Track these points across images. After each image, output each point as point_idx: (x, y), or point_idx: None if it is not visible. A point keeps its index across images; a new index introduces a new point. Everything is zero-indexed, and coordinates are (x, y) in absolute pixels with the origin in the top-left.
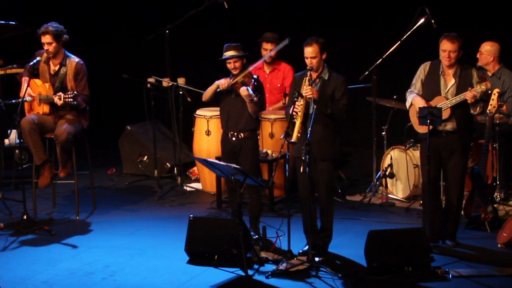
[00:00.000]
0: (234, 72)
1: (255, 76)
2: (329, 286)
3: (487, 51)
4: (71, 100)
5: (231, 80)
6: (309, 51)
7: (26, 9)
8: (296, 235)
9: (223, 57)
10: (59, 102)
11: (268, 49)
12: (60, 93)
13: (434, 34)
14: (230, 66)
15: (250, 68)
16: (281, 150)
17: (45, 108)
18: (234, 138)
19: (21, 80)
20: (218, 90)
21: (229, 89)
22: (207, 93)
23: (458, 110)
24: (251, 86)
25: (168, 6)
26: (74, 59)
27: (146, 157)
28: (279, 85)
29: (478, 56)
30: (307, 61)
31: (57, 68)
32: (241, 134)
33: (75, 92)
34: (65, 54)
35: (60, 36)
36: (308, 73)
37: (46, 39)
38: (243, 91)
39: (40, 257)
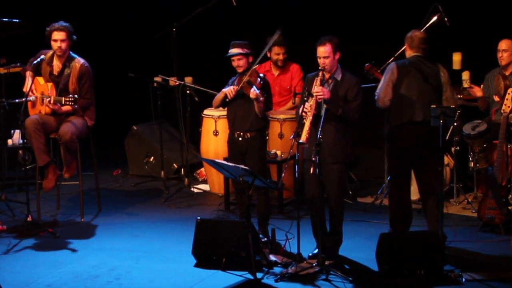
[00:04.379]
0: (239, 70)
1: (261, 75)
2: None
3: (511, 47)
4: (72, 103)
5: (237, 86)
6: (322, 51)
7: (31, 7)
8: (305, 237)
9: (228, 55)
10: (49, 107)
11: (280, 53)
12: (50, 98)
13: (446, 31)
14: (234, 64)
15: (255, 66)
16: (291, 151)
17: (47, 108)
18: (240, 138)
19: (25, 74)
20: (227, 100)
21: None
22: (216, 101)
23: None
24: (257, 85)
25: (176, 4)
26: (79, 60)
27: (152, 157)
28: (288, 86)
29: (499, 56)
30: (320, 61)
31: (60, 68)
32: (248, 134)
33: (75, 96)
34: (70, 54)
35: (72, 35)
36: (320, 73)
37: (60, 35)
38: (252, 93)
39: (44, 260)
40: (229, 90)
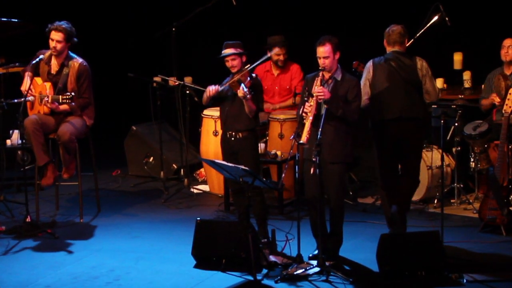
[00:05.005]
0: (233, 71)
1: (253, 75)
2: None
3: None
4: (69, 101)
5: (220, 87)
6: (322, 51)
7: (30, 7)
8: (306, 238)
9: (221, 55)
10: (47, 106)
11: (281, 54)
12: (48, 97)
13: (448, 31)
14: (228, 64)
15: (247, 67)
16: (291, 151)
17: (46, 108)
18: (233, 139)
19: (24, 75)
20: (209, 95)
21: (226, 89)
22: (204, 98)
23: None
24: (246, 84)
25: (175, 4)
26: (78, 60)
27: (152, 158)
28: (288, 86)
29: (504, 52)
30: (320, 61)
31: (58, 68)
32: (240, 134)
33: (72, 94)
34: (69, 54)
35: (71, 38)
36: (320, 73)
37: (57, 36)
38: (240, 91)
39: (43, 261)
40: (210, 89)
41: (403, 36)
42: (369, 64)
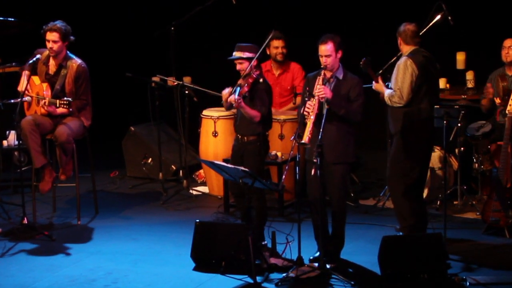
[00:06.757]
0: (242, 74)
1: (261, 80)
2: None
3: None
4: (66, 106)
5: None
6: (324, 49)
7: (30, 7)
8: (306, 240)
9: (228, 58)
10: (44, 108)
11: (279, 47)
12: (45, 99)
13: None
14: (237, 67)
15: (252, 71)
16: (291, 152)
17: (43, 109)
18: (239, 142)
19: (22, 73)
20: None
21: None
22: (224, 104)
23: None
24: (242, 91)
25: (175, 4)
26: (76, 61)
27: (150, 159)
28: (289, 87)
29: (505, 53)
30: (322, 60)
31: (56, 68)
32: (245, 138)
33: (69, 99)
34: (67, 54)
35: (67, 36)
36: (322, 72)
37: (52, 36)
38: (230, 97)
39: (40, 263)
40: (223, 93)
41: (418, 33)
42: (409, 62)
